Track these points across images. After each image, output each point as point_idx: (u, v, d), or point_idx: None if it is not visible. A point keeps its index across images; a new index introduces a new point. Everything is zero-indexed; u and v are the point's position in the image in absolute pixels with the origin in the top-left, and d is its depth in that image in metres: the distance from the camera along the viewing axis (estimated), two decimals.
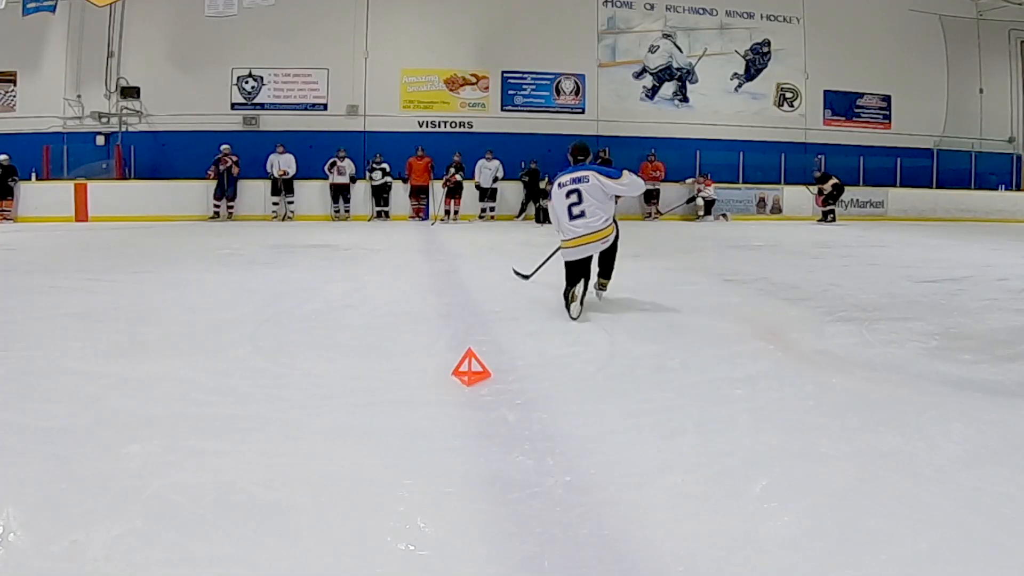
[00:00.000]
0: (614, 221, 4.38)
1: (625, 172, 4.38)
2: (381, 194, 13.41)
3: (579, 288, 4.11)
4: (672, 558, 1.50)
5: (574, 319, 4.02)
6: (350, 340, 3.55)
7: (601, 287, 4.54)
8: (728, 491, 1.83)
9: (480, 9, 14.56)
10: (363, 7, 14.19)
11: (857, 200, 15.19)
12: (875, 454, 2.08)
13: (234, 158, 12.80)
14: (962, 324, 4.01)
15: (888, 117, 16.27)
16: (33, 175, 12.94)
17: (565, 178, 4.31)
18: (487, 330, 3.79)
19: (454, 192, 13.04)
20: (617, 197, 4.40)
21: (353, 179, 13.28)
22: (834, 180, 14.03)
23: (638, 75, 15.32)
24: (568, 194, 4.25)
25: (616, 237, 4.39)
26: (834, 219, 13.98)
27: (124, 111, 13.69)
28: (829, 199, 14.10)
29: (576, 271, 4.22)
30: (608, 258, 4.46)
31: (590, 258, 4.29)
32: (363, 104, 14.26)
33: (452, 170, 13.03)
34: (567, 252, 4.27)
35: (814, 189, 14.44)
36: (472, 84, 14.63)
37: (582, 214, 4.22)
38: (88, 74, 13.59)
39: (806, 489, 1.84)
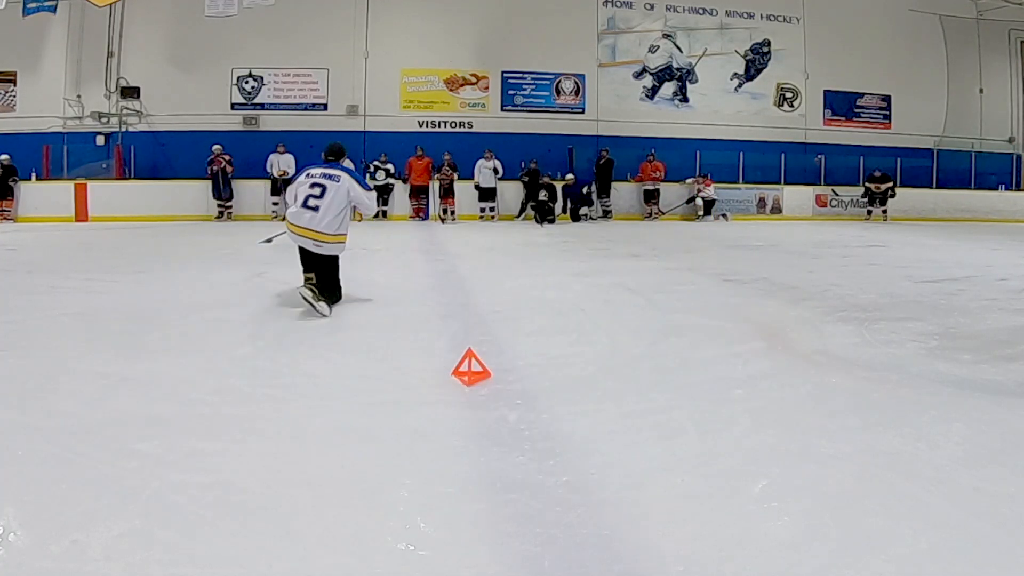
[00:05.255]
0: (344, 244, 4.39)
1: (373, 191, 4.61)
2: (382, 194, 13.41)
3: (307, 291, 4.06)
4: (672, 558, 1.50)
5: (320, 312, 4.04)
6: (350, 340, 3.55)
7: (311, 291, 4.09)
8: (728, 491, 1.83)
9: (480, 9, 14.56)
10: (363, 7, 14.19)
11: (856, 200, 15.21)
12: (875, 454, 2.07)
13: (227, 157, 12.80)
14: (962, 324, 4.01)
15: (888, 117, 16.27)
16: (33, 175, 12.95)
17: (316, 171, 4.38)
18: (487, 330, 3.79)
19: (448, 192, 13.04)
20: (354, 209, 4.51)
21: None
22: (891, 184, 14.74)
23: (638, 75, 15.32)
24: (313, 185, 4.30)
25: (335, 262, 4.34)
26: (886, 217, 14.63)
27: (124, 111, 13.69)
28: (878, 198, 14.67)
29: (304, 260, 4.27)
30: (326, 273, 4.27)
31: (312, 255, 4.27)
32: (363, 104, 14.26)
33: (447, 169, 13.05)
34: (289, 230, 4.36)
35: (872, 186, 14.77)
36: (472, 84, 14.64)
37: (316, 208, 4.24)
38: (88, 74, 13.60)
39: (806, 489, 1.84)
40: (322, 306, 4.06)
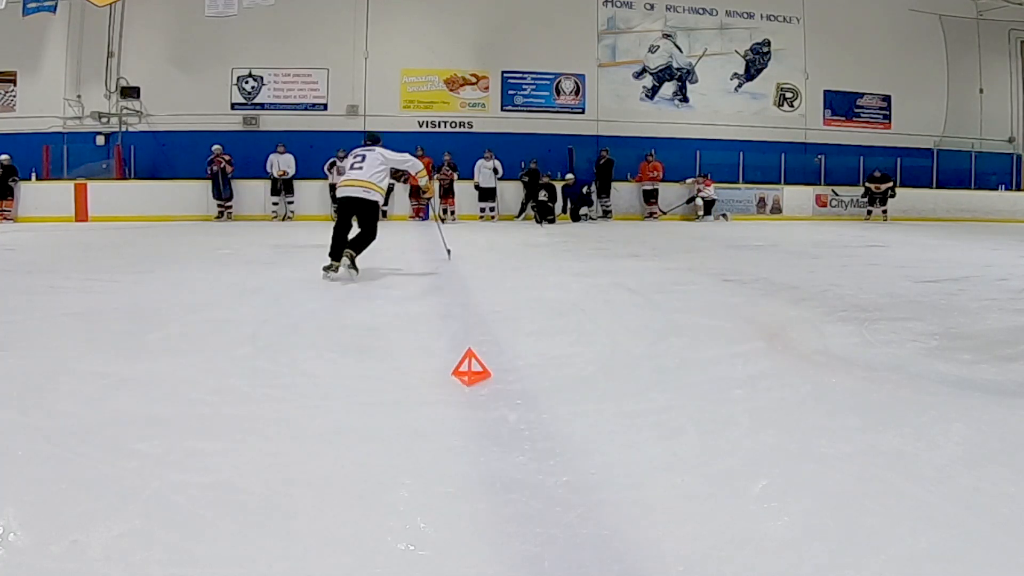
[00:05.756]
0: (383, 198, 5.94)
1: (406, 153, 6.13)
2: None
3: (347, 259, 5.34)
4: (672, 558, 1.50)
5: (333, 274, 5.36)
6: (350, 340, 3.55)
7: (350, 258, 5.41)
8: (728, 491, 1.83)
9: (480, 9, 14.57)
10: (363, 7, 14.20)
11: (856, 200, 15.22)
12: (875, 454, 2.07)
13: (227, 157, 12.81)
14: (962, 324, 4.01)
15: (888, 117, 16.28)
16: (33, 175, 12.96)
17: (358, 150, 5.94)
18: (487, 330, 3.79)
19: (448, 192, 13.06)
20: (396, 171, 6.36)
21: None
22: (891, 184, 14.79)
23: (638, 75, 15.33)
24: (355, 157, 5.84)
25: (377, 208, 5.72)
26: (886, 217, 14.71)
27: (124, 111, 13.70)
28: (878, 198, 14.73)
29: (338, 224, 5.65)
30: (369, 220, 5.66)
31: (349, 225, 5.63)
32: (363, 104, 14.27)
33: (447, 169, 13.08)
34: (339, 189, 5.84)
35: (872, 186, 14.84)
36: (472, 84, 14.64)
37: (360, 168, 5.68)
38: (88, 74, 13.61)
39: (806, 489, 1.84)
40: (352, 272, 5.33)
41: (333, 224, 5.72)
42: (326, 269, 5.33)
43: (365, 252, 5.56)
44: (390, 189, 13.29)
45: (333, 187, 13.23)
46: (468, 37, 14.60)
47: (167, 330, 3.72)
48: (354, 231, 5.65)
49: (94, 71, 13.61)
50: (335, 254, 5.38)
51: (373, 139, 6.06)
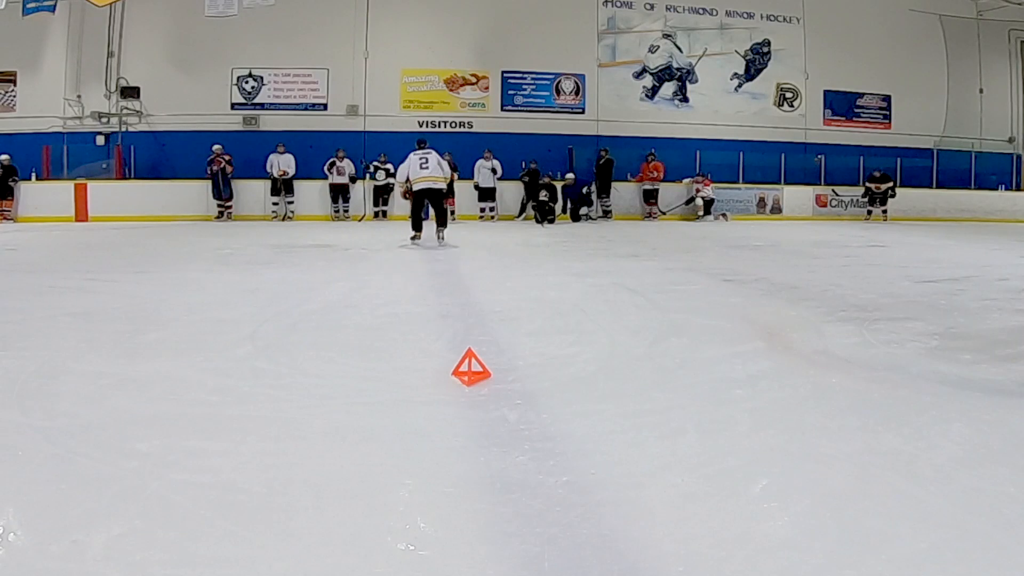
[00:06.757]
0: (450, 185, 8.80)
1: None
2: (381, 194, 13.42)
3: (420, 232, 8.18)
4: (672, 558, 1.50)
5: (417, 241, 8.15)
6: (350, 340, 3.55)
7: (440, 235, 8.26)
8: (728, 491, 1.83)
9: (480, 9, 14.57)
10: (363, 7, 14.20)
11: (856, 200, 15.22)
12: (875, 454, 2.07)
13: (227, 157, 12.80)
14: (962, 324, 4.01)
15: (888, 117, 16.28)
16: (33, 175, 12.96)
17: (420, 152, 8.28)
18: (487, 330, 3.79)
19: (448, 191, 13.04)
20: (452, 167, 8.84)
21: (353, 179, 13.28)
22: (891, 184, 14.70)
23: (638, 75, 15.33)
24: (421, 158, 8.17)
25: (451, 187, 8.50)
26: (886, 217, 14.66)
27: (124, 111, 13.70)
28: (878, 198, 14.67)
29: (414, 206, 8.39)
30: (440, 211, 8.41)
31: (425, 201, 8.38)
32: (363, 104, 14.27)
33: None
34: (416, 185, 8.15)
35: (872, 186, 14.79)
36: (472, 84, 14.64)
37: (427, 168, 8.08)
38: (88, 74, 13.60)
39: (806, 489, 1.84)
40: (442, 240, 8.14)
41: (411, 206, 8.51)
42: (412, 238, 8.15)
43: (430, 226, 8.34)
44: (389, 188, 13.34)
45: (332, 187, 13.26)
46: (468, 37, 14.60)
47: (167, 330, 3.72)
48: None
49: (94, 71, 13.60)
50: (416, 227, 8.20)
51: (422, 142, 8.52)
